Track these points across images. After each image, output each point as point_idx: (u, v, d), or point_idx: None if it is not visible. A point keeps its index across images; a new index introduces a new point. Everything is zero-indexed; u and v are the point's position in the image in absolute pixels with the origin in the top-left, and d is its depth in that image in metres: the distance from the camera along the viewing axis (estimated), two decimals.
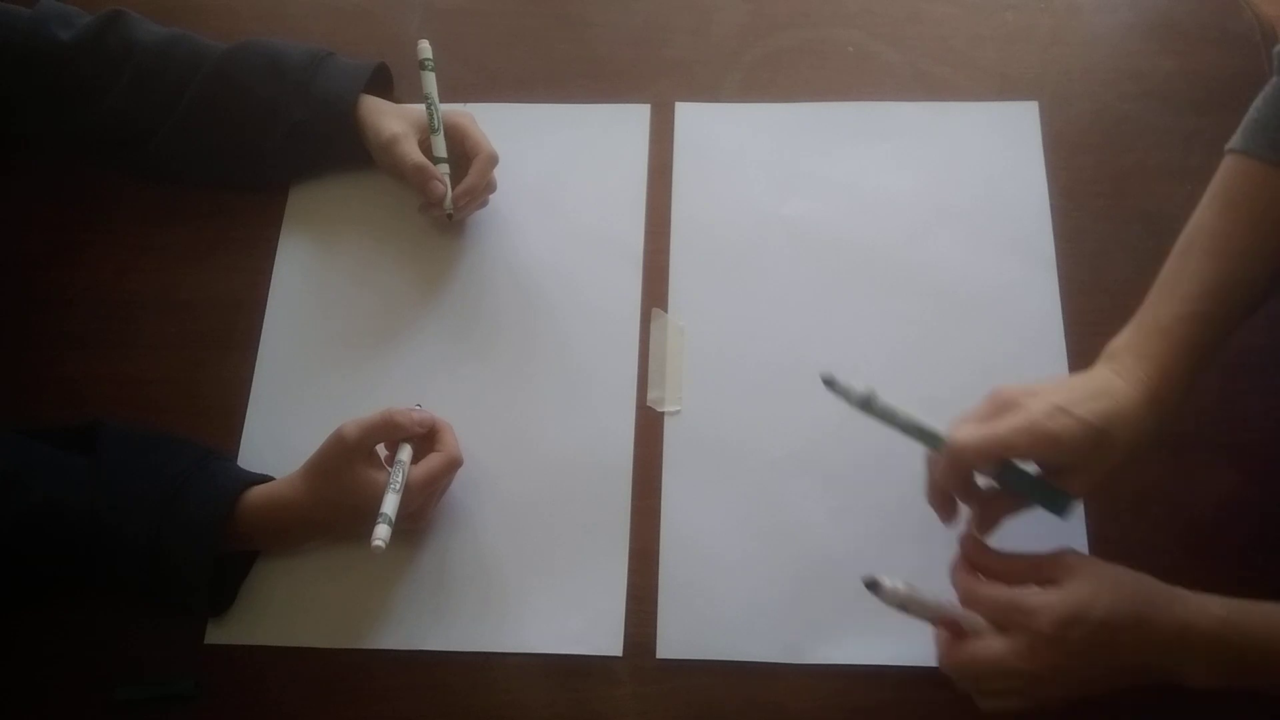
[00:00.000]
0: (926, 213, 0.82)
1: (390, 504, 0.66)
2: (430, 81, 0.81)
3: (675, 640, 0.70)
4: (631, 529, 0.73)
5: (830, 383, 0.60)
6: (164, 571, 0.67)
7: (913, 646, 0.69)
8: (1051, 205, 0.81)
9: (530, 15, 0.93)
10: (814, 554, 0.72)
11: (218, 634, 0.71)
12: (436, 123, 0.80)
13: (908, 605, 0.60)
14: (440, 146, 0.80)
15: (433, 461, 0.69)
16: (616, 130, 0.87)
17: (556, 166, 0.86)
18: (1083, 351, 0.76)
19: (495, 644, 0.70)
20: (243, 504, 0.69)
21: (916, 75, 0.88)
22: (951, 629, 0.61)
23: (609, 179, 0.85)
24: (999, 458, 0.60)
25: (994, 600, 0.60)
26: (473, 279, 0.82)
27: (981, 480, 0.63)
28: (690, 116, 0.87)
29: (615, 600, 0.71)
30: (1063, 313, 0.78)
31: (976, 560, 0.63)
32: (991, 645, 0.58)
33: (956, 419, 0.61)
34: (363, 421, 0.68)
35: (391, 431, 0.69)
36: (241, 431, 0.77)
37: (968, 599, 0.61)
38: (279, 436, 0.77)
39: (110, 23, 0.81)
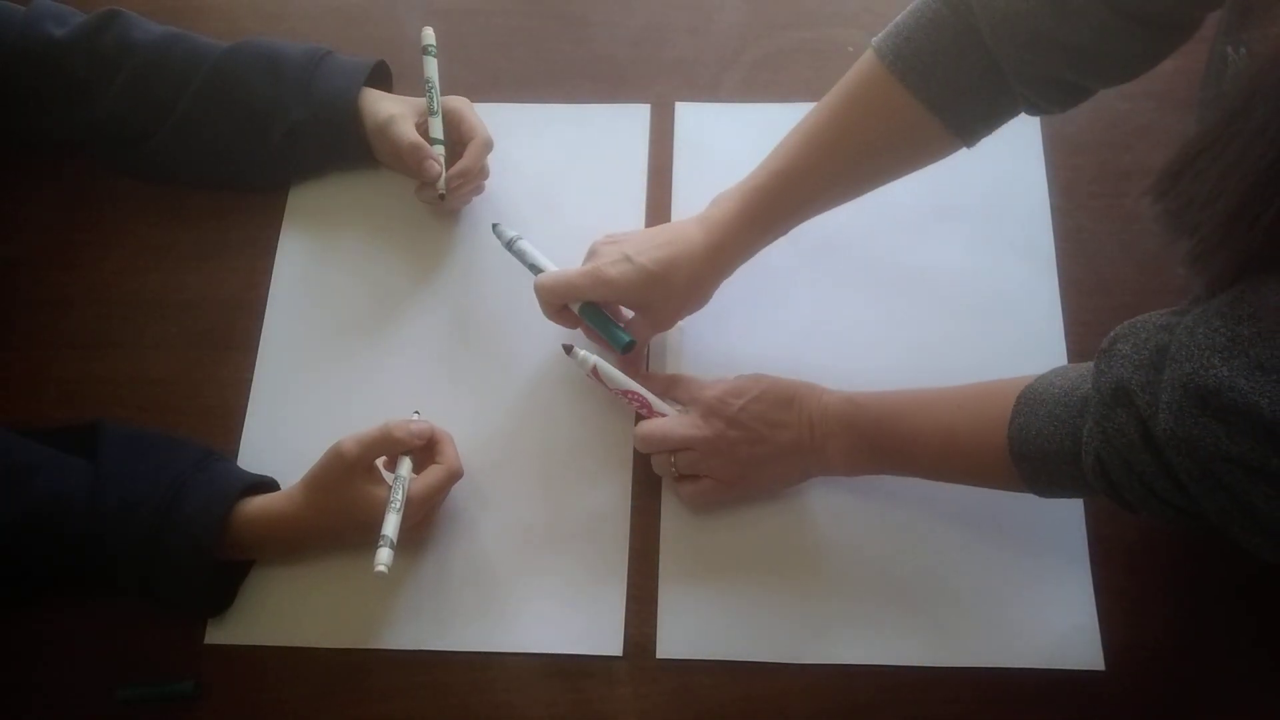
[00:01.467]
0: (927, 213, 0.82)
1: (391, 525, 0.66)
2: (432, 66, 0.81)
3: (675, 640, 0.70)
4: (631, 529, 0.73)
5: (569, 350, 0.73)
6: (163, 572, 0.67)
7: (913, 646, 0.69)
8: (1051, 205, 0.81)
9: (530, 15, 0.93)
10: (814, 554, 0.72)
11: (218, 634, 0.71)
12: (435, 105, 0.80)
13: (599, 376, 0.72)
14: (437, 128, 0.80)
15: (432, 475, 0.69)
16: (616, 130, 0.87)
17: (556, 166, 0.86)
18: (1083, 352, 0.76)
19: (495, 644, 0.70)
20: (240, 516, 0.69)
21: None
22: (642, 410, 0.72)
23: (609, 179, 0.85)
24: (572, 298, 0.72)
25: (672, 380, 0.74)
26: (472, 278, 0.82)
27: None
28: (690, 116, 0.87)
29: (615, 600, 0.71)
30: (1063, 313, 0.78)
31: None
32: (671, 419, 0.71)
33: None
34: (360, 437, 0.68)
35: (390, 446, 0.69)
36: (241, 431, 0.77)
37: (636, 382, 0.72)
38: (279, 436, 0.77)
39: (106, 22, 0.81)
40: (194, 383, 0.79)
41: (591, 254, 0.73)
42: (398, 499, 0.67)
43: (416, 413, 0.74)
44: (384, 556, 0.64)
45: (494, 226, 0.78)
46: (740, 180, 0.71)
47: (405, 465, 0.70)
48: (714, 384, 0.71)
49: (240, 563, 0.72)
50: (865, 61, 0.67)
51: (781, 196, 0.70)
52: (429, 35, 0.82)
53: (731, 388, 0.70)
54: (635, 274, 0.69)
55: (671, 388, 0.74)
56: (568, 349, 0.73)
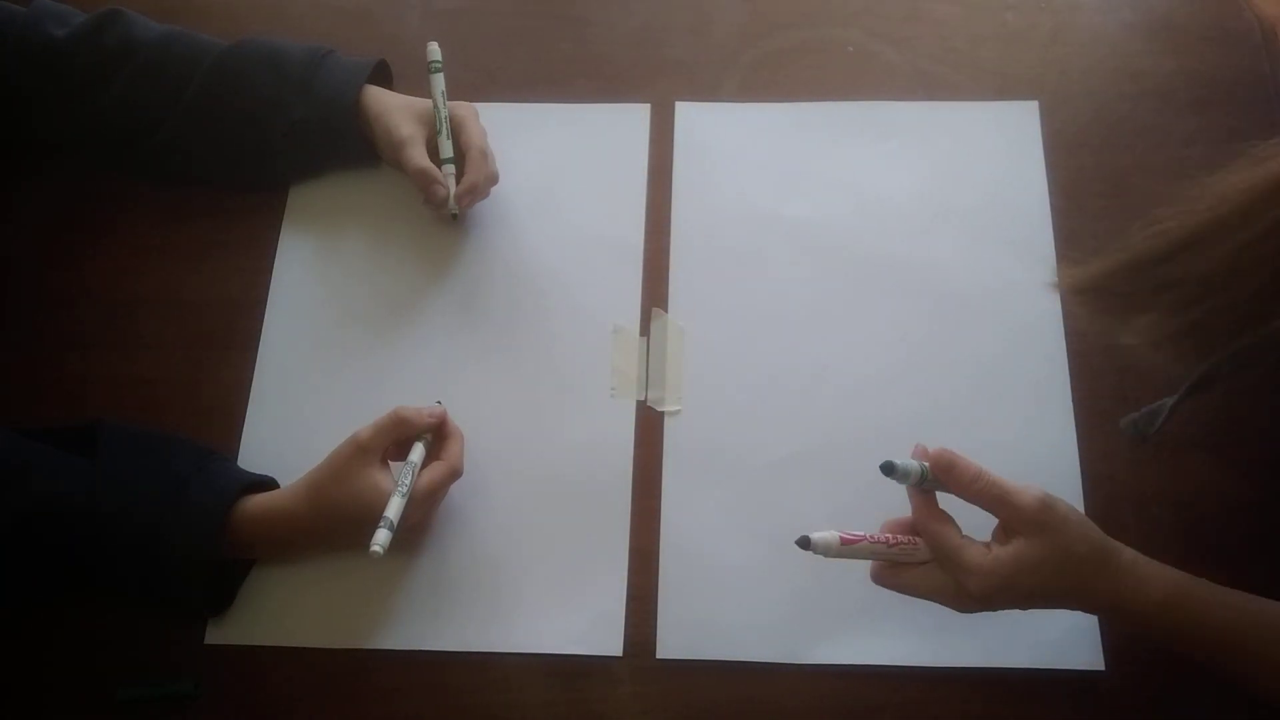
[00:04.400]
0: (927, 213, 0.82)
1: (394, 508, 0.66)
2: (439, 83, 0.81)
3: (675, 640, 0.70)
4: (631, 529, 0.73)
5: (890, 470, 0.61)
6: (163, 571, 0.67)
7: (913, 646, 0.69)
8: (1051, 205, 0.81)
9: (530, 15, 0.93)
10: (814, 555, 0.72)
11: (218, 634, 0.71)
12: (442, 126, 0.80)
13: (845, 555, 0.62)
14: (447, 149, 0.80)
15: (435, 471, 0.69)
16: (616, 130, 0.87)
17: (556, 166, 0.86)
18: (1082, 351, 0.76)
19: (495, 644, 0.70)
20: (241, 514, 0.69)
21: (916, 75, 0.88)
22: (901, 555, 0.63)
23: (609, 179, 0.85)
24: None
25: (937, 543, 0.61)
26: (472, 279, 0.82)
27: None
28: (690, 116, 0.87)
29: (615, 600, 0.71)
30: (1063, 313, 0.78)
31: (951, 466, 0.61)
32: (923, 579, 0.62)
33: None
34: (374, 422, 0.69)
35: (401, 427, 0.69)
36: (241, 431, 0.77)
37: (918, 524, 0.62)
38: (279, 436, 0.77)
39: (106, 21, 0.81)
40: (194, 383, 0.79)
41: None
42: (405, 483, 0.67)
43: (438, 401, 0.74)
44: (381, 538, 0.64)
45: (891, 469, 0.61)
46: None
47: (418, 450, 0.70)
48: (979, 569, 0.59)
49: (240, 562, 0.72)
50: None
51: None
52: (435, 51, 0.82)
53: (999, 583, 0.58)
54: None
55: (937, 550, 0.62)
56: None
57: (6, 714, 0.70)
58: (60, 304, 0.83)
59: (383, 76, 0.86)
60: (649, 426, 0.76)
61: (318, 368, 0.79)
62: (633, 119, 0.88)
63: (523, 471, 0.75)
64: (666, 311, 0.80)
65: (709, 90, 0.88)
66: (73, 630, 0.72)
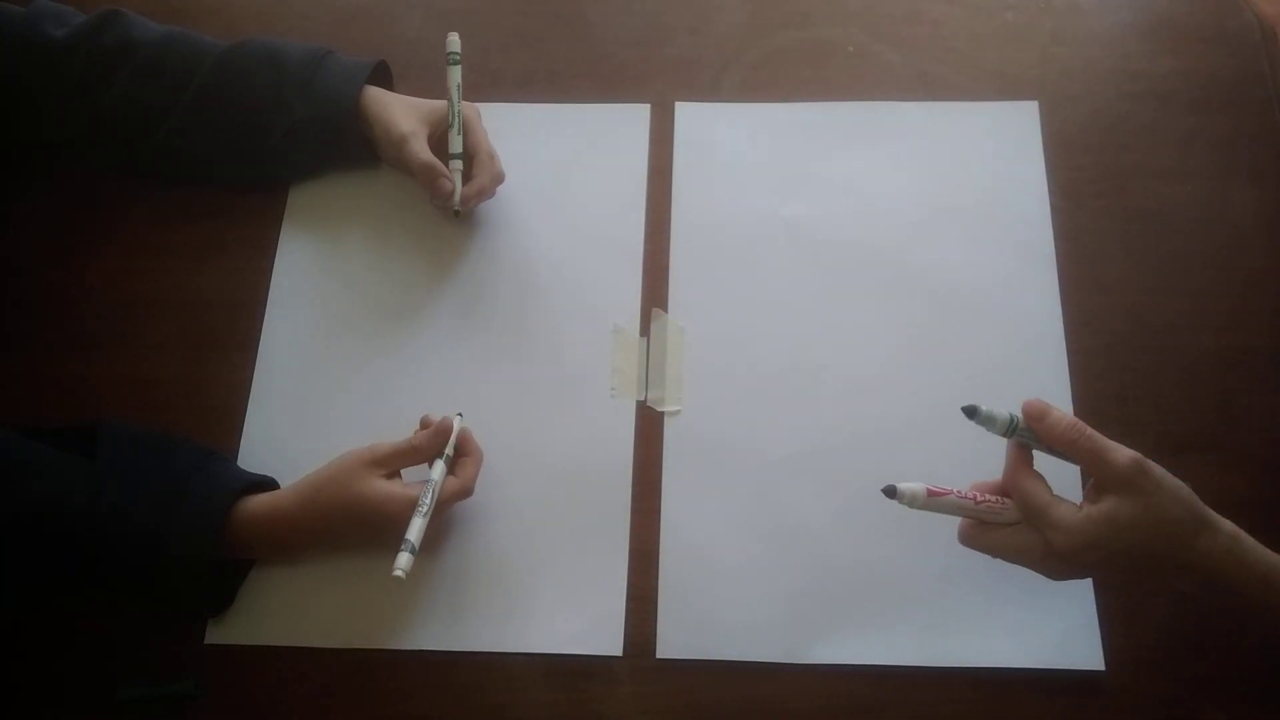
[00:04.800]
0: (927, 213, 0.82)
1: (416, 529, 0.66)
2: (455, 75, 0.80)
3: (675, 640, 0.70)
4: (631, 529, 0.73)
5: (973, 413, 0.61)
6: (163, 571, 0.67)
7: (913, 646, 0.69)
8: (1051, 205, 0.81)
9: (530, 15, 0.93)
10: (813, 554, 0.72)
11: (218, 634, 0.71)
12: (455, 120, 0.80)
13: (930, 508, 0.62)
14: (458, 143, 0.80)
15: (447, 487, 0.70)
16: (616, 130, 0.87)
17: (556, 166, 0.86)
18: (1083, 351, 0.76)
19: (496, 644, 0.70)
20: (241, 514, 0.69)
21: (916, 75, 0.88)
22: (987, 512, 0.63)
23: (609, 179, 0.85)
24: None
25: (1026, 499, 0.61)
26: (472, 279, 0.82)
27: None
28: (690, 116, 0.87)
29: (615, 600, 0.71)
30: (1063, 313, 0.78)
31: (1043, 415, 0.61)
32: (1010, 539, 0.61)
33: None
34: (391, 445, 0.69)
35: (414, 456, 0.70)
36: (241, 431, 0.77)
37: (1008, 479, 0.62)
38: (279, 436, 0.77)
39: (106, 22, 0.81)
40: (194, 383, 0.79)
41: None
42: (426, 503, 0.67)
43: (459, 414, 0.73)
44: (403, 561, 0.64)
45: (972, 414, 0.61)
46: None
47: (438, 469, 0.69)
48: (1068, 527, 0.58)
49: (241, 562, 0.72)
50: None
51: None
52: (454, 42, 0.81)
53: (1088, 540, 0.58)
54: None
55: (1026, 507, 0.61)
56: (890, 492, 0.61)
57: (7, 714, 0.70)
58: (61, 304, 0.83)
59: (383, 77, 0.86)
60: (649, 426, 0.76)
61: (318, 368, 0.79)
62: (633, 119, 0.88)
63: (523, 472, 0.75)
64: (666, 311, 0.80)
65: (709, 90, 0.88)
66: (73, 630, 0.72)
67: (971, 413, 0.60)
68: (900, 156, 0.84)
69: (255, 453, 0.76)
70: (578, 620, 0.71)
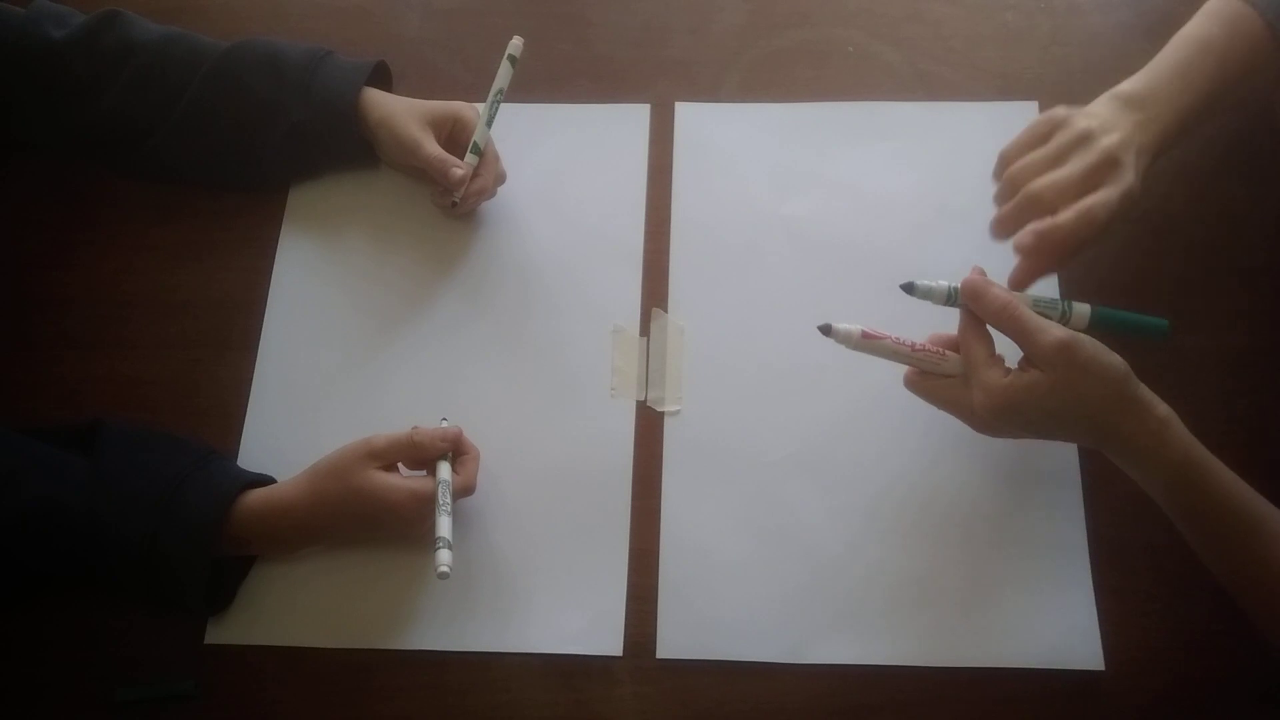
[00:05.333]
0: (926, 213, 0.82)
1: (445, 526, 0.66)
2: (506, 77, 0.80)
3: (675, 640, 0.70)
4: (631, 529, 0.73)
5: (910, 289, 0.65)
6: (161, 571, 0.67)
7: (913, 646, 0.69)
8: None
9: (530, 15, 0.93)
10: (813, 554, 0.72)
11: (218, 634, 0.71)
12: (492, 115, 0.80)
13: (865, 350, 0.65)
14: (485, 135, 0.80)
15: (454, 485, 0.70)
16: (616, 130, 0.87)
17: (556, 166, 0.86)
18: None
19: (495, 644, 0.70)
20: (240, 508, 0.69)
21: (916, 75, 0.88)
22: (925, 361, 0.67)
23: (609, 179, 0.85)
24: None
25: (966, 355, 0.65)
26: (472, 279, 0.82)
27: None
28: (690, 116, 0.87)
29: (615, 600, 0.71)
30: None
31: (979, 294, 0.65)
32: (944, 390, 0.66)
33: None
34: (389, 436, 0.69)
35: (415, 450, 0.70)
36: (241, 431, 0.77)
37: (959, 335, 0.66)
38: (279, 436, 0.77)
39: (106, 22, 0.81)
40: (193, 383, 0.79)
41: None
42: (446, 502, 0.68)
43: (444, 419, 0.73)
44: (444, 558, 0.65)
45: (909, 290, 0.66)
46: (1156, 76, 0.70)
47: (445, 468, 0.70)
48: (995, 388, 0.62)
49: (240, 561, 0.72)
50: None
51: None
52: (517, 45, 0.80)
53: (1012, 400, 0.61)
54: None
55: (965, 361, 0.65)
56: (825, 330, 0.65)
57: (6, 714, 0.70)
58: (60, 304, 0.83)
59: (382, 77, 0.86)
60: (649, 426, 0.76)
61: (318, 368, 0.79)
62: (633, 119, 0.88)
63: (523, 471, 0.75)
64: (666, 311, 0.80)
65: (709, 90, 0.89)
66: (72, 630, 0.72)
67: (909, 289, 0.65)
68: (900, 156, 0.84)
69: (255, 453, 0.76)
70: (578, 620, 0.71)
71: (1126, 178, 0.66)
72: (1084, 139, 0.67)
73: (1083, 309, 0.67)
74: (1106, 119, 0.68)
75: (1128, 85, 0.70)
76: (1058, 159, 0.68)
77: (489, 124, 0.80)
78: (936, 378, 0.66)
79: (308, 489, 0.69)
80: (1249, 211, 0.81)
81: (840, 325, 0.64)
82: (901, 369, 0.68)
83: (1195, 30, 0.72)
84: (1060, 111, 0.70)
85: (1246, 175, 0.82)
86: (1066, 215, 0.65)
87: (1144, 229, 0.80)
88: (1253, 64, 0.71)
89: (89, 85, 0.81)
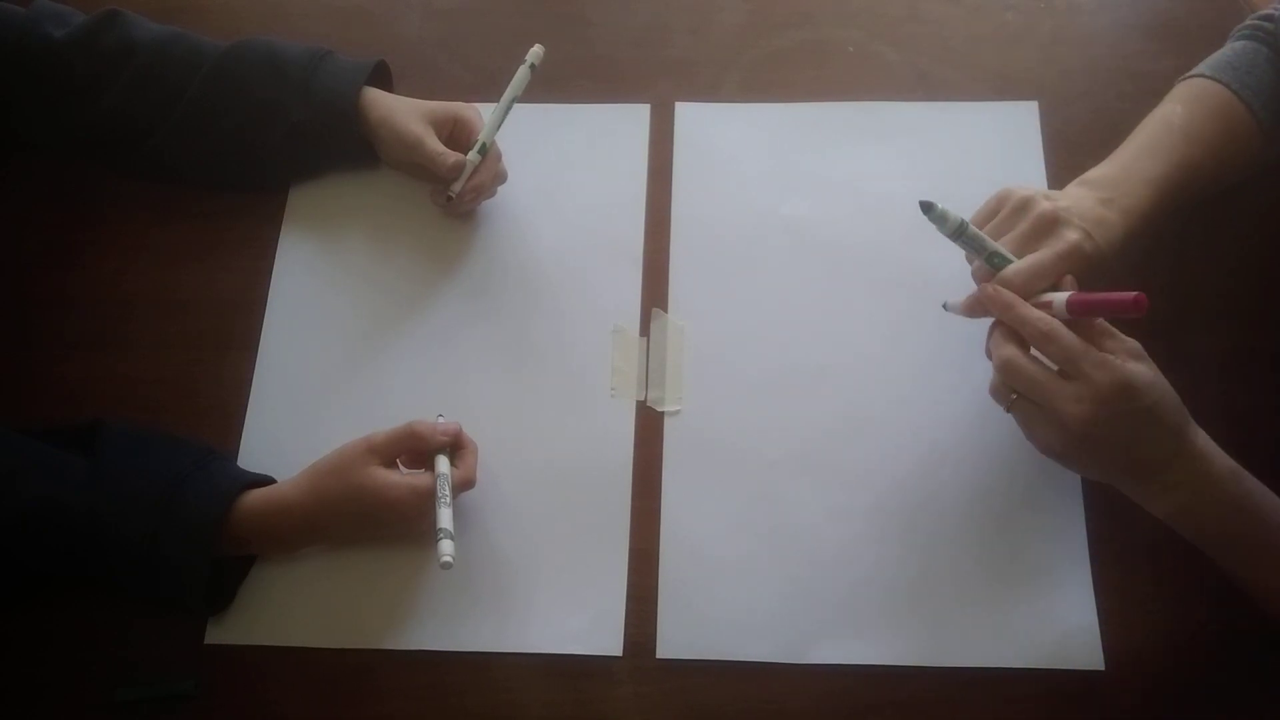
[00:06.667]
0: None
1: (445, 518, 0.66)
2: (522, 83, 0.80)
3: (675, 640, 0.70)
4: (631, 529, 0.73)
5: (929, 208, 0.64)
6: (161, 571, 0.67)
7: (913, 646, 0.69)
8: None
9: (530, 15, 0.93)
10: (813, 554, 0.72)
11: (218, 634, 0.71)
12: (500, 120, 0.80)
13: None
14: (492, 134, 0.80)
15: (454, 478, 0.70)
16: (616, 130, 0.87)
17: (557, 166, 0.86)
18: None
19: (496, 644, 0.70)
20: (240, 508, 0.69)
21: (916, 75, 0.88)
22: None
23: (609, 179, 0.85)
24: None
25: (1072, 344, 0.61)
26: (472, 279, 0.82)
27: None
28: (690, 116, 0.87)
29: (615, 600, 0.71)
30: None
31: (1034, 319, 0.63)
32: (1050, 376, 0.61)
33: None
34: (388, 431, 0.70)
35: (414, 441, 0.70)
36: (241, 431, 0.77)
37: (1048, 334, 0.62)
38: (279, 436, 0.77)
39: (106, 22, 0.81)
40: (194, 383, 0.79)
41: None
42: (445, 494, 0.68)
43: (440, 416, 0.73)
44: (447, 548, 0.65)
45: (928, 210, 0.65)
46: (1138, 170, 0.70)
47: (444, 462, 0.70)
48: (1113, 366, 0.60)
49: (240, 562, 0.72)
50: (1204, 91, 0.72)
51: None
52: (537, 54, 0.81)
53: (1130, 383, 0.60)
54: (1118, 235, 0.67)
55: (1071, 351, 0.62)
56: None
57: (6, 714, 0.70)
58: (59, 304, 0.83)
59: (382, 77, 0.86)
60: (649, 426, 0.76)
61: (318, 368, 0.79)
62: (633, 119, 0.88)
63: (523, 471, 0.75)
64: (666, 311, 0.80)
65: (709, 90, 0.89)
66: (72, 630, 0.72)
67: (927, 208, 0.64)
68: (900, 156, 0.84)
69: (255, 453, 0.76)
70: (578, 620, 0.71)
71: (1067, 236, 0.65)
72: (1023, 206, 0.67)
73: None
74: (1060, 194, 0.69)
75: (1092, 171, 0.71)
76: (1000, 229, 0.68)
77: (498, 127, 0.80)
78: (1041, 367, 0.62)
79: (308, 488, 0.69)
80: (1248, 211, 0.81)
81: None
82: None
83: (1157, 112, 0.73)
84: (1010, 188, 0.69)
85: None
86: (1003, 273, 0.65)
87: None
88: (1225, 129, 0.72)
89: (89, 85, 0.81)
